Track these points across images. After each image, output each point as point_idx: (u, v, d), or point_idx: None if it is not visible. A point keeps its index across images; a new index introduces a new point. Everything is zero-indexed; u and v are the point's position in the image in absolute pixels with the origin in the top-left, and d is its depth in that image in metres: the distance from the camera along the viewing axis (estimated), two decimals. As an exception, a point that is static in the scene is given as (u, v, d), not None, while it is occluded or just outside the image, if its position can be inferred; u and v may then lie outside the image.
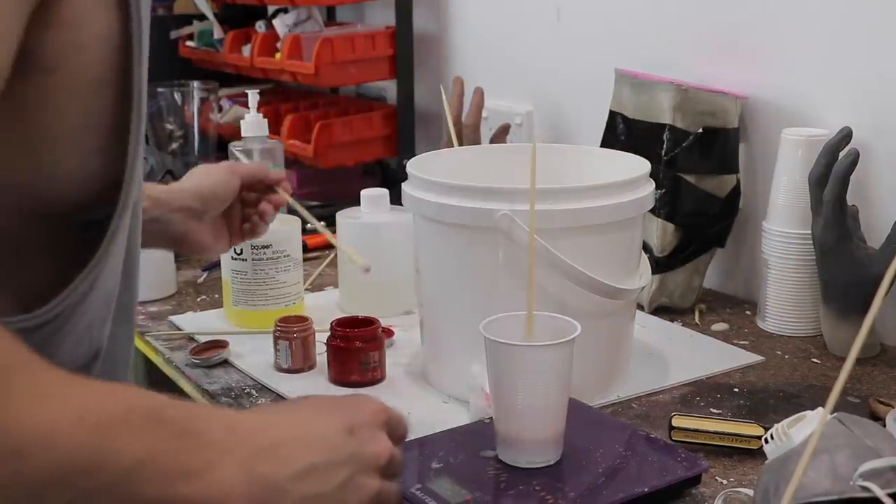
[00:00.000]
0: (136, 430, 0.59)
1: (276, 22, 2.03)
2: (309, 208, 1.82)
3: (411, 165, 1.15)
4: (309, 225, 1.24)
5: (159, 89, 1.97)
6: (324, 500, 0.67)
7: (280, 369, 1.19)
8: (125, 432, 0.58)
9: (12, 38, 0.58)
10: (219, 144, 2.07)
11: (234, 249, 1.30)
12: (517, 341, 0.91)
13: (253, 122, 1.59)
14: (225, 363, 1.23)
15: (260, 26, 2.08)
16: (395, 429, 0.75)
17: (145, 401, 0.62)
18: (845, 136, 1.18)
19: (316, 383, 1.16)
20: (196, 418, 0.63)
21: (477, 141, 1.68)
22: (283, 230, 1.32)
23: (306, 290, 1.44)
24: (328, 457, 0.67)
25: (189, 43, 2.22)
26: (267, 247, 1.29)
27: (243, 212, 1.23)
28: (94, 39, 0.63)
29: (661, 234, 1.35)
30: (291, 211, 1.29)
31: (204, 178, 1.19)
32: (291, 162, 1.93)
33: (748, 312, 1.38)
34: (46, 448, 0.55)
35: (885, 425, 0.95)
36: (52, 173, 0.64)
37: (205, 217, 1.17)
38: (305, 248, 1.53)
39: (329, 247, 1.63)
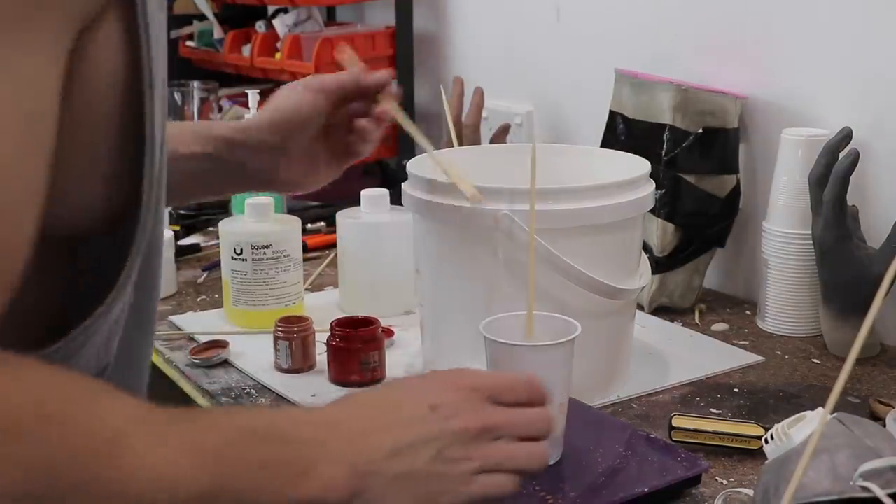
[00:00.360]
0: (245, 454, 0.63)
1: (276, 22, 2.03)
2: (309, 208, 1.84)
3: (411, 165, 1.15)
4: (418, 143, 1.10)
5: (159, 89, 1.97)
6: (415, 476, 0.70)
7: (280, 369, 1.19)
8: (236, 459, 0.62)
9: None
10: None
11: (234, 249, 1.30)
12: (517, 341, 0.91)
13: (253, 122, 1.59)
14: (225, 363, 1.23)
15: (260, 26, 2.08)
16: (501, 395, 0.75)
17: (246, 423, 0.66)
18: (845, 136, 1.18)
19: (316, 383, 1.16)
20: (290, 425, 0.67)
21: (477, 141, 1.68)
22: (283, 230, 1.32)
23: (306, 290, 1.44)
24: (413, 436, 0.70)
25: (189, 43, 2.22)
26: (267, 247, 1.29)
27: (340, 134, 1.06)
28: (104, 82, 0.61)
29: (661, 234, 1.35)
30: (396, 126, 1.12)
31: (282, 102, 1.04)
32: (291, 162, 1.93)
33: (748, 312, 1.38)
34: (169, 492, 0.59)
35: (885, 425, 0.95)
36: (62, 200, 0.62)
37: (290, 149, 1.04)
38: (305, 249, 1.53)
39: (329, 247, 1.63)
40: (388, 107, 1.04)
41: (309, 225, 1.72)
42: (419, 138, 1.05)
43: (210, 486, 0.60)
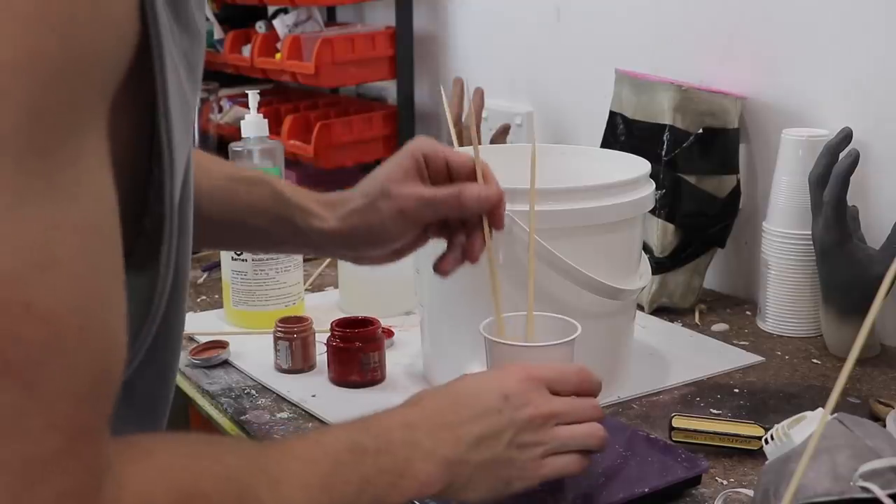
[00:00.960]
0: (348, 470, 0.67)
1: (276, 22, 2.03)
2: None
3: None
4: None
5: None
6: (497, 461, 0.76)
7: (280, 370, 1.19)
8: (342, 478, 0.66)
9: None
10: (219, 145, 2.07)
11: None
12: (517, 342, 0.91)
13: (253, 123, 1.58)
14: (225, 363, 1.23)
15: (260, 26, 2.09)
16: (557, 385, 0.81)
17: (345, 439, 0.69)
18: (845, 136, 1.18)
19: (316, 384, 1.16)
20: (382, 431, 0.71)
21: (477, 142, 1.67)
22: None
23: (306, 290, 1.44)
24: (491, 426, 0.76)
25: (189, 43, 2.22)
26: (267, 247, 1.29)
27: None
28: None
29: (661, 234, 1.35)
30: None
31: (368, 209, 0.94)
32: (292, 162, 1.94)
33: (748, 313, 1.38)
34: None
35: (885, 426, 0.95)
36: None
37: (364, 256, 0.99)
38: (305, 249, 1.53)
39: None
40: (487, 238, 0.94)
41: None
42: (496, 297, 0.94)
43: None
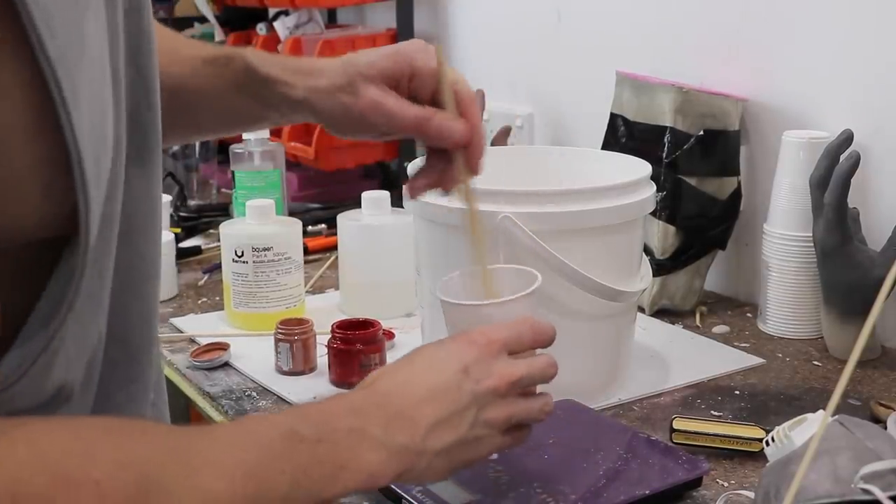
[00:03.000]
0: (281, 460, 0.61)
1: (276, 24, 2.03)
2: (310, 210, 1.84)
3: (412, 167, 1.15)
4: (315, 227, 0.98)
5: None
6: (461, 444, 0.71)
7: (281, 371, 1.19)
8: (273, 467, 0.61)
9: None
10: (220, 146, 2.07)
11: (235, 251, 1.30)
12: (477, 300, 0.83)
13: (254, 125, 1.59)
14: (226, 365, 1.23)
15: (261, 28, 2.09)
16: (518, 347, 0.76)
17: (280, 427, 0.63)
18: (846, 138, 1.18)
19: (317, 385, 1.16)
20: (325, 418, 0.66)
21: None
22: (285, 232, 1.32)
23: (307, 292, 1.44)
24: (451, 406, 0.70)
25: (190, 45, 2.22)
26: (268, 249, 1.29)
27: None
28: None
29: (661, 236, 1.35)
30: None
31: (339, 105, 0.86)
32: (292, 164, 1.94)
33: (749, 315, 1.38)
34: None
35: (886, 428, 0.95)
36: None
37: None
38: (306, 251, 1.53)
39: (330, 249, 1.63)
40: (460, 181, 0.86)
41: (310, 227, 1.72)
42: (478, 246, 0.86)
43: (254, 498, 0.59)
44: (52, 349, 0.55)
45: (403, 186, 0.94)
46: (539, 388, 0.80)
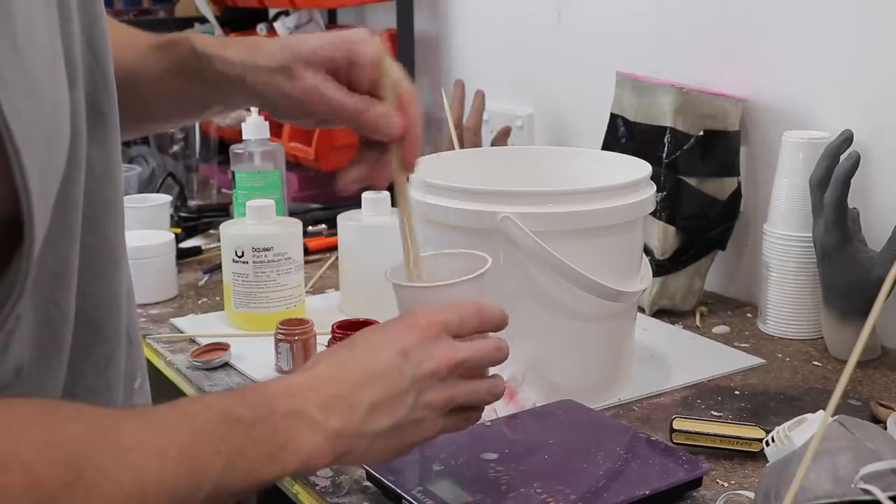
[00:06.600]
0: (216, 440, 0.61)
1: (277, 25, 2.03)
2: (310, 210, 1.84)
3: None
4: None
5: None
6: (401, 427, 0.70)
7: (281, 372, 1.19)
8: (208, 447, 0.61)
9: None
10: (220, 147, 2.07)
11: (236, 252, 1.30)
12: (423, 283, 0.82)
13: (254, 125, 1.59)
14: (226, 366, 1.23)
15: (261, 29, 2.09)
16: (461, 330, 0.75)
17: (215, 408, 0.63)
18: (846, 138, 1.18)
19: (317, 386, 1.16)
20: (262, 400, 0.65)
21: (478, 143, 1.68)
22: (285, 233, 1.32)
23: (307, 292, 1.44)
24: (390, 389, 0.70)
25: (190, 45, 2.22)
26: (268, 249, 1.29)
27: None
28: None
29: (662, 236, 1.35)
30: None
31: (280, 85, 0.82)
32: (293, 165, 1.94)
33: (749, 315, 1.38)
34: (146, 499, 0.57)
35: (886, 428, 0.95)
36: None
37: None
38: (306, 251, 1.53)
39: (330, 249, 1.63)
40: (396, 174, 0.84)
41: (310, 227, 1.72)
42: (408, 240, 0.86)
43: (188, 487, 0.59)
44: (6, 330, 0.55)
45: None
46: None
